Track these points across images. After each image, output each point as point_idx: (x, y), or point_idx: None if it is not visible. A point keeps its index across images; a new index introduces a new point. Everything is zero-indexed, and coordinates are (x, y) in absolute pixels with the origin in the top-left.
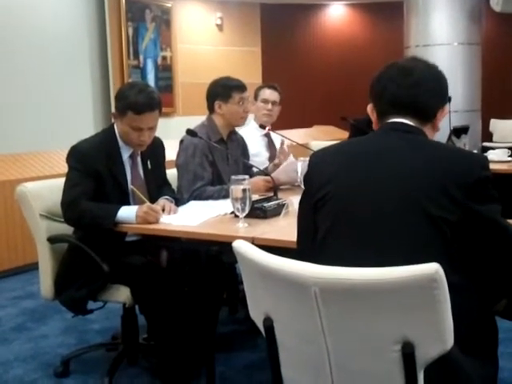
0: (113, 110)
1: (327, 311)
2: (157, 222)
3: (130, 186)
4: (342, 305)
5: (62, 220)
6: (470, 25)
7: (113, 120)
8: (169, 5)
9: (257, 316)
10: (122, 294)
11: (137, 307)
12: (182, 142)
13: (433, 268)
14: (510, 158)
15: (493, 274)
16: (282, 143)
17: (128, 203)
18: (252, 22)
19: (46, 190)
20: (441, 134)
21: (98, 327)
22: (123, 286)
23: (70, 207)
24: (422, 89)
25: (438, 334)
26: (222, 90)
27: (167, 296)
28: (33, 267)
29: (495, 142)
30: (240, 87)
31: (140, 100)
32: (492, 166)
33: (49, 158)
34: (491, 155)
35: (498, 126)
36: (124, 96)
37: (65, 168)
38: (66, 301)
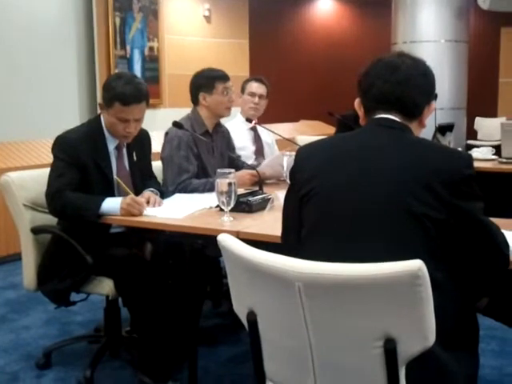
0: (99, 100)
1: (310, 306)
2: (140, 214)
3: (115, 177)
4: (325, 300)
5: (46, 210)
6: (457, 22)
7: (99, 110)
8: None
9: (240, 310)
10: (105, 286)
11: (120, 300)
12: (166, 134)
13: (416, 264)
14: (494, 157)
15: (475, 272)
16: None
17: (113, 194)
18: (240, 14)
19: (30, 180)
20: (426, 131)
21: (81, 319)
22: (107, 278)
23: (55, 198)
24: (408, 85)
25: (420, 331)
26: (206, 81)
27: (151, 289)
28: (16, 258)
29: (480, 140)
30: (223, 77)
31: (127, 91)
32: (476, 164)
33: (33, 147)
34: (476, 153)
35: (482, 124)
36: (111, 87)
37: (50, 158)
38: (49, 292)
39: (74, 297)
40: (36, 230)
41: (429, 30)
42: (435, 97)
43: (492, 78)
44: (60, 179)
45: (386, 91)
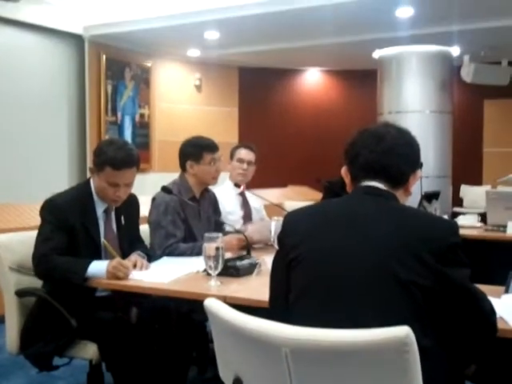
0: (88, 165)
1: (297, 372)
2: (126, 277)
3: (103, 240)
4: (312, 366)
5: (32, 273)
6: (441, 94)
7: (88, 175)
8: (148, 64)
9: (226, 376)
10: (88, 350)
11: (104, 364)
12: (153, 199)
13: (403, 331)
14: (479, 224)
15: (462, 339)
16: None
17: (100, 257)
18: (230, 83)
19: (16, 242)
20: (412, 199)
21: None
22: (90, 342)
23: (41, 262)
24: (393, 154)
25: None
26: (193, 150)
27: (135, 353)
28: None
29: (465, 208)
30: (211, 147)
31: (119, 156)
32: (462, 232)
33: (21, 210)
34: (461, 220)
35: (468, 191)
36: (103, 151)
37: (37, 221)
38: (32, 356)
39: (56, 361)
40: (21, 293)
41: (414, 101)
42: (421, 165)
43: (476, 147)
44: (47, 243)
45: (371, 160)
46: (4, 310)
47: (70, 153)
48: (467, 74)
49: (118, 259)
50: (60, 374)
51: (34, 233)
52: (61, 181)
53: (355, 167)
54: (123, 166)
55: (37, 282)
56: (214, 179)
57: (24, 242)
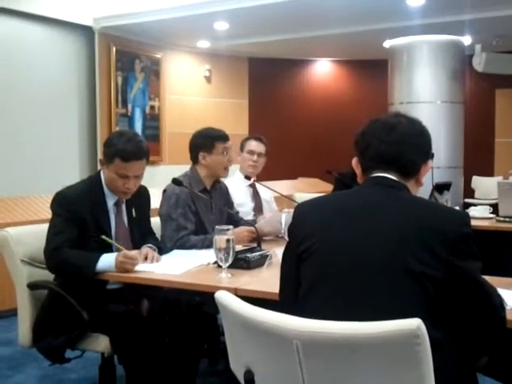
0: (99, 157)
1: (308, 364)
2: (133, 268)
3: (102, 237)
4: (323, 358)
5: (44, 266)
6: (452, 84)
7: (99, 167)
8: (158, 56)
9: (237, 368)
10: (100, 343)
11: (115, 357)
12: (164, 191)
13: (414, 323)
14: (491, 215)
15: (473, 331)
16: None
17: (111, 250)
18: (240, 74)
19: (28, 235)
20: (423, 190)
21: (76, 377)
22: (102, 335)
23: (53, 255)
24: (404, 145)
25: None
26: (205, 141)
27: (147, 346)
28: (11, 313)
29: (477, 199)
30: (222, 137)
31: (128, 148)
32: (474, 223)
33: (32, 203)
34: (473, 212)
35: (479, 182)
36: (112, 143)
37: (48, 214)
38: (44, 348)
39: (68, 354)
40: (33, 286)
41: (425, 92)
42: (432, 156)
43: (488, 137)
44: (58, 236)
45: (382, 151)
46: (16, 303)
47: (81, 145)
48: (479, 63)
49: (123, 252)
50: (72, 366)
51: (46, 226)
52: (72, 173)
53: (366, 158)
54: (132, 157)
55: (49, 275)
56: (226, 170)
57: (36, 234)
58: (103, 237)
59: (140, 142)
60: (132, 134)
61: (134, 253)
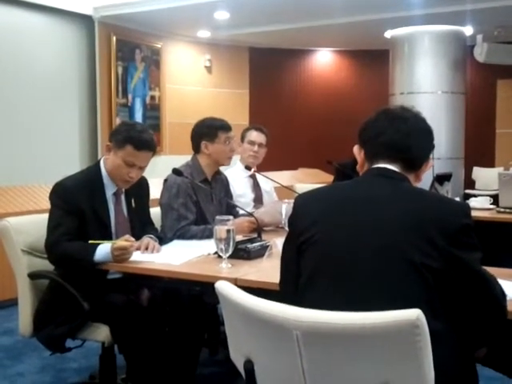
0: (100, 146)
1: (309, 355)
2: (130, 257)
3: (89, 241)
4: (323, 349)
5: (44, 256)
6: (454, 74)
7: (99, 156)
8: (159, 45)
9: (237, 358)
10: (101, 333)
11: (116, 346)
12: (165, 181)
13: (414, 314)
14: (491, 206)
15: (473, 322)
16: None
17: (111, 239)
18: (240, 64)
19: (28, 225)
20: (424, 181)
21: (76, 366)
22: (103, 325)
23: (53, 249)
24: (416, 138)
25: (419, 381)
26: (208, 130)
27: (147, 336)
28: (11, 303)
29: (477, 190)
30: (225, 127)
31: (142, 137)
32: (474, 214)
33: (33, 193)
34: (473, 202)
35: (480, 173)
36: (126, 130)
37: (48, 203)
38: (44, 338)
39: (69, 343)
40: (33, 276)
41: (426, 82)
42: (432, 147)
43: (489, 128)
44: (57, 229)
45: (395, 140)
46: (17, 292)
47: (81, 135)
48: (480, 53)
49: (117, 245)
50: (73, 355)
51: (46, 215)
52: (72, 163)
53: (375, 145)
54: (144, 147)
55: (49, 265)
56: (229, 159)
57: (36, 224)
58: (90, 241)
59: (152, 135)
60: (144, 126)
61: (126, 243)
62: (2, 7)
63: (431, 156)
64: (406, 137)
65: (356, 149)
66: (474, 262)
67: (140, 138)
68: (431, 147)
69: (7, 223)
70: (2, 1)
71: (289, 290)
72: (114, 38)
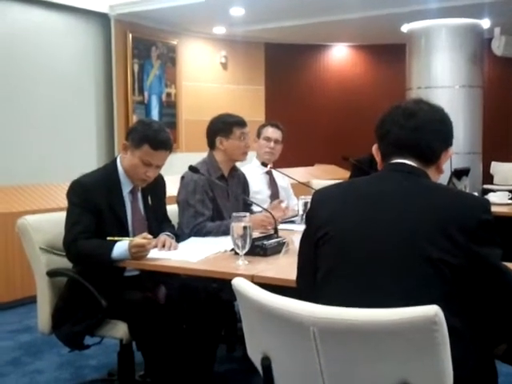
0: (117, 144)
1: (325, 351)
2: (147, 254)
3: (108, 238)
4: (340, 345)
5: (63, 253)
6: (471, 68)
7: (116, 154)
8: (174, 42)
9: (255, 355)
10: (119, 330)
11: (134, 343)
12: (182, 178)
13: (432, 310)
14: (510, 201)
15: (492, 318)
16: (280, 201)
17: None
18: (256, 60)
19: (47, 223)
20: (442, 176)
21: (95, 363)
22: (121, 322)
23: (71, 248)
24: (425, 131)
25: (438, 377)
26: (223, 126)
27: (165, 333)
28: (30, 301)
29: (496, 185)
30: (240, 122)
31: (159, 137)
32: (492, 209)
33: (51, 191)
34: (492, 197)
35: (498, 168)
36: (143, 129)
37: (66, 201)
38: (63, 335)
39: (87, 340)
40: (52, 273)
41: (443, 76)
42: (449, 137)
43: (507, 122)
44: (75, 227)
45: (402, 137)
46: (36, 290)
47: (98, 133)
48: (498, 46)
49: (134, 243)
50: (91, 353)
51: (64, 213)
52: (89, 161)
53: (385, 144)
54: (161, 146)
55: (67, 263)
56: (244, 154)
57: (54, 222)
58: (109, 238)
59: (169, 134)
60: (161, 125)
61: (144, 241)
62: (19, 6)
63: (450, 145)
64: (413, 132)
65: (374, 148)
66: (494, 257)
67: (157, 138)
68: (447, 137)
69: (25, 221)
70: (19, 0)
71: (306, 286)
72: (130, 36)
